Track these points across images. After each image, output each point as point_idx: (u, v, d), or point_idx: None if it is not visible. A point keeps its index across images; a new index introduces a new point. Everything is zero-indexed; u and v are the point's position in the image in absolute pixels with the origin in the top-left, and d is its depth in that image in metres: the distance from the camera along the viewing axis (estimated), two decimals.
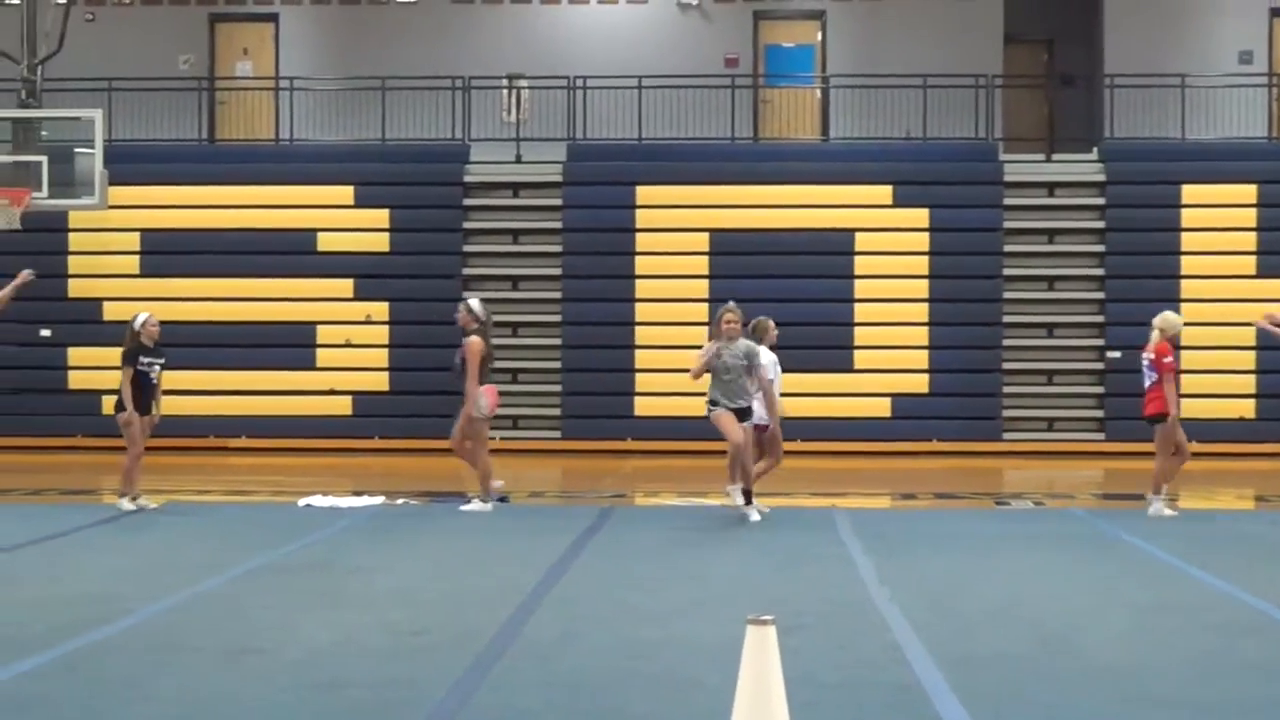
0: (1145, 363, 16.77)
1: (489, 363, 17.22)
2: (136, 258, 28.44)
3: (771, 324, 17.51)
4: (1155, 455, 16.88)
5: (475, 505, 17.05)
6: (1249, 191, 27.93)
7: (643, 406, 27.66)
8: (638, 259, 28.07)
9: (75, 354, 27.76)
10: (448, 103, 29.33)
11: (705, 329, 27.46)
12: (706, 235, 28.01)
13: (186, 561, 13.40)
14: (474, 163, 29.07)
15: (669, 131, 29.01)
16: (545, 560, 13.28)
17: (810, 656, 9.13)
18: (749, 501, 16.00)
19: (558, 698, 8.21)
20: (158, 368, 17.35)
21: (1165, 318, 16.86)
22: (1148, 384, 16.67)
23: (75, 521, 16.03)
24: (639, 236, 28.18)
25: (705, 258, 27.98)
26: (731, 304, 16.66)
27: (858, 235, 28.01)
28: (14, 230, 25.49)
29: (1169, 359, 16.58)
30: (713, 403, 16.08)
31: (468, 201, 28.78)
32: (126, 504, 17.05)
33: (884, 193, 28.16)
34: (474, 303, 17.63)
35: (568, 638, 9.88)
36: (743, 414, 16.00)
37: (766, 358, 16.70)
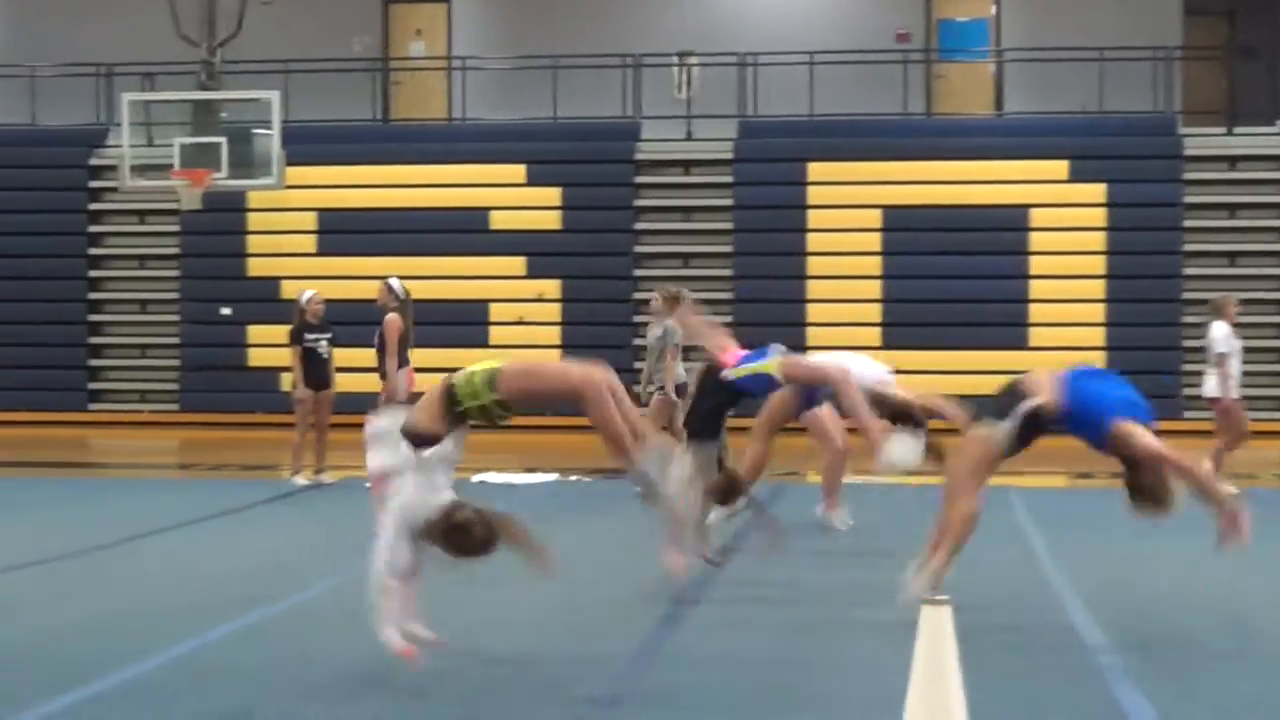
0: None
1: (408, 342, 17.25)
2: (313, 237, 28.80)
3: (1231, 300, 17.48)
4: None
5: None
6: None
7: None
8: (809, 236, 27.93)
9: (254, 332, 28.17)
10: (619, 80, 29.37)
11: (878, 306, 27.42)
12: (879, 212, 27.79)
13: (361, 536, 13.52)
14: (645, 140, 29.07)
15: (841, 107, 28.80)
16: (718, 538, 13.24)
17: (984, 637, 9.04)
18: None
19: (726, 678, 8.18)
20: (324, 343, 17.54)
21: None
22: None
23: (254, 496, 16.28)
24: (810, 213, 28.02)
25: (877, 234, 27.77)
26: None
27: (1033, 211, 27.64)
28: (196, 210, 25.95)
29: None
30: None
31: (639, 179, 28.80)
32: (299, 480, 17.28)
33: (1060, 168, 27.77)
34: (394, 281, 17.62)
35: (734, 617, 9.85)
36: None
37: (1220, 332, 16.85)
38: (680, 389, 17.01)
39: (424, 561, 8.15)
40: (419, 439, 8.20)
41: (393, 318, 17.12)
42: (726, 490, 11.31)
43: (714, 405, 11.78)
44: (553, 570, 8.06)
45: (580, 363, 8.49)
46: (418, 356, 27.02)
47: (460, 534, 7.99)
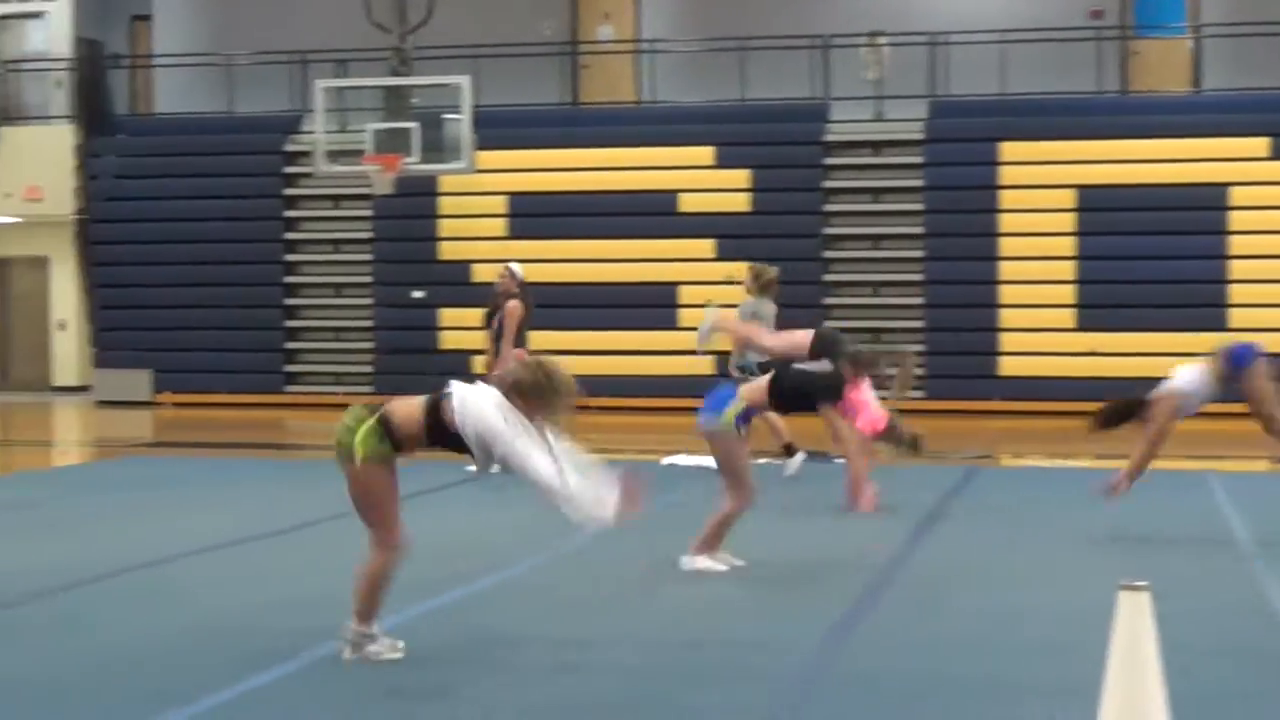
0: None
1: (525, 327, 17.37)
2: (503, 220, 29.01)
3: None
4: None
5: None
6: None
7: (1008, 366, 27.22)
8: (1001, 216, 27.59)
9: (446, 315, 28.43)
10: (807, 61, 29.25)
11: (1072, 288, 27.03)
12: (1073, 192, 27.38)
13: (559, 518, 13.61)
14: (834, 121, 28.91)
15: (1033, 86, 28.42)
16: (909, 521, 13.19)
17: (1183, 623, 8.89)
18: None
19: (922, 662, 8.13)
20: None
21: None
22: None
23: (452, 477, 16.43)
24: (1002, 194, 27.68)
25: (1071, 214, 27.36)
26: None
27: (1232, 190, 27.06)
28: (388, 195, 26.27)
29: None
30: None
31: (828, 160, 28.64)
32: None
33: (1260, 145, 27.14)
34: (515, 266, 17.75)
35: (931, 601, 9.79)
36: None
37: None
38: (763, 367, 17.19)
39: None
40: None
41: (514, 303, 17.25)
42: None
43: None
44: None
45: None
46: (605, 340, 27.26)
47: (552, 377, 8.25)
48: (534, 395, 8.03)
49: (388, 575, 8.17)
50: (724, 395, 11.34)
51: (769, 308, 17.04)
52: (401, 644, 8.23)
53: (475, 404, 7.98)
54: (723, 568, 10.87)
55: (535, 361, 8.26)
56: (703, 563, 10.89)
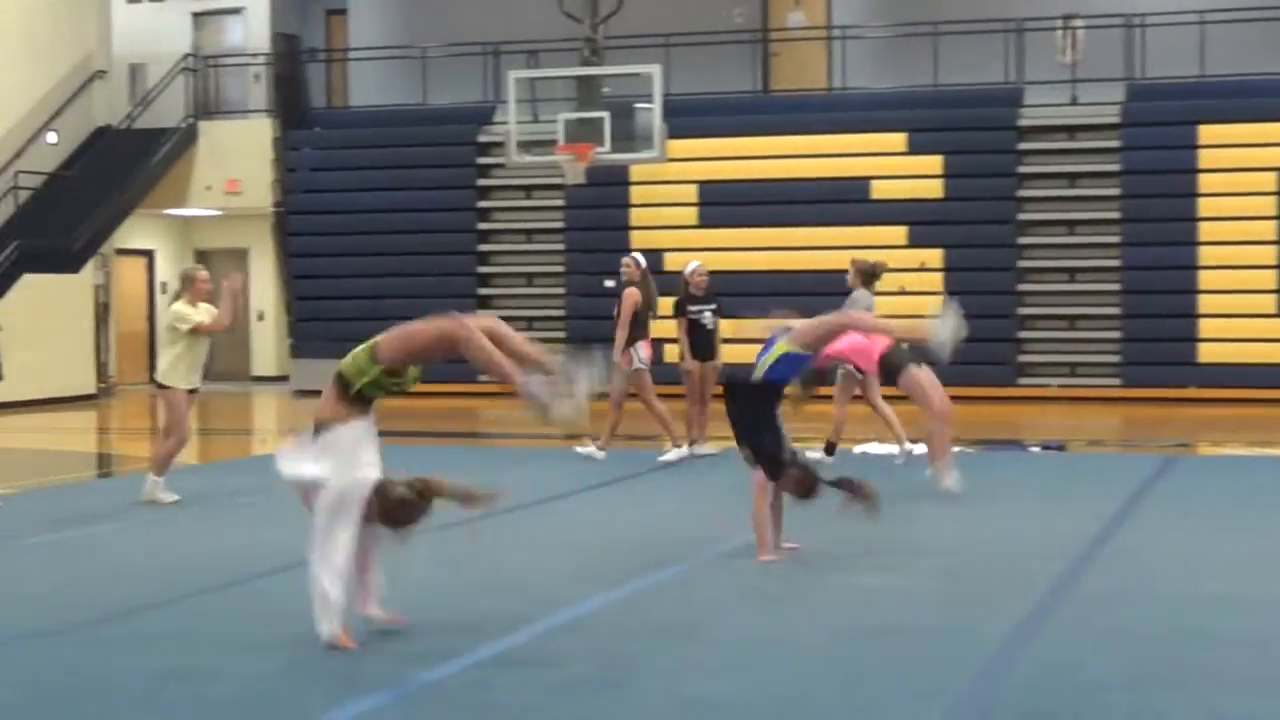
0: None
1: (647, 315, 17.43)
2: (694, 209, 29.03)
3: None
4: None
5: (672, 454, 17.29)
6: None
7: (1207, 353, 26.71)
8: (1200, 201, 27.06)
9: None
10: (1000, 46, 28.91)
11: (1273, 273, 26.45)
12: (1274, 175, 26.77)
13: (745, 506, 13.59)
14: (1028, 106, 28.55)
15: (1234, 68, 27.84)
16: (1104, 510, 13.00)
17: None
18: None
19: (1116, 653, 8.00)
20: (708, 314, 17.64)
21: None
22: None
23: (640, 466, 16.49)
24: (1201, 178, 27.14)
25: (1272, 198, 26.75)
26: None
27: None
28: (580, 185, 26.39)
29: None
30: None
31: (1022, 145, 28.28)
32: (697, 450, 17.47)
33: None
34: (639, 255, 17.97)
35: (1126, 591, 9.63)
36: None
37: None
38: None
39: (375, 542, 8.41)
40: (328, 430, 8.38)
41: (632, 291, 17.29)
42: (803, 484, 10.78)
43: (754, 411, 11.16)
44: (494, 503, 8.49)
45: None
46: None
47: (401, 509, 8.31)
48: (390, 520, 8.38)
49: None
50: (767, 346, 11.21)
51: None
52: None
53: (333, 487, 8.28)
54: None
55: (400, 492, 8.39)
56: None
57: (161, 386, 13.96)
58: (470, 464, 17.27)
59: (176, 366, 13.84)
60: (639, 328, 17.40)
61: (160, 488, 13.84)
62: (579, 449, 17.36)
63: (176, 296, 14.23)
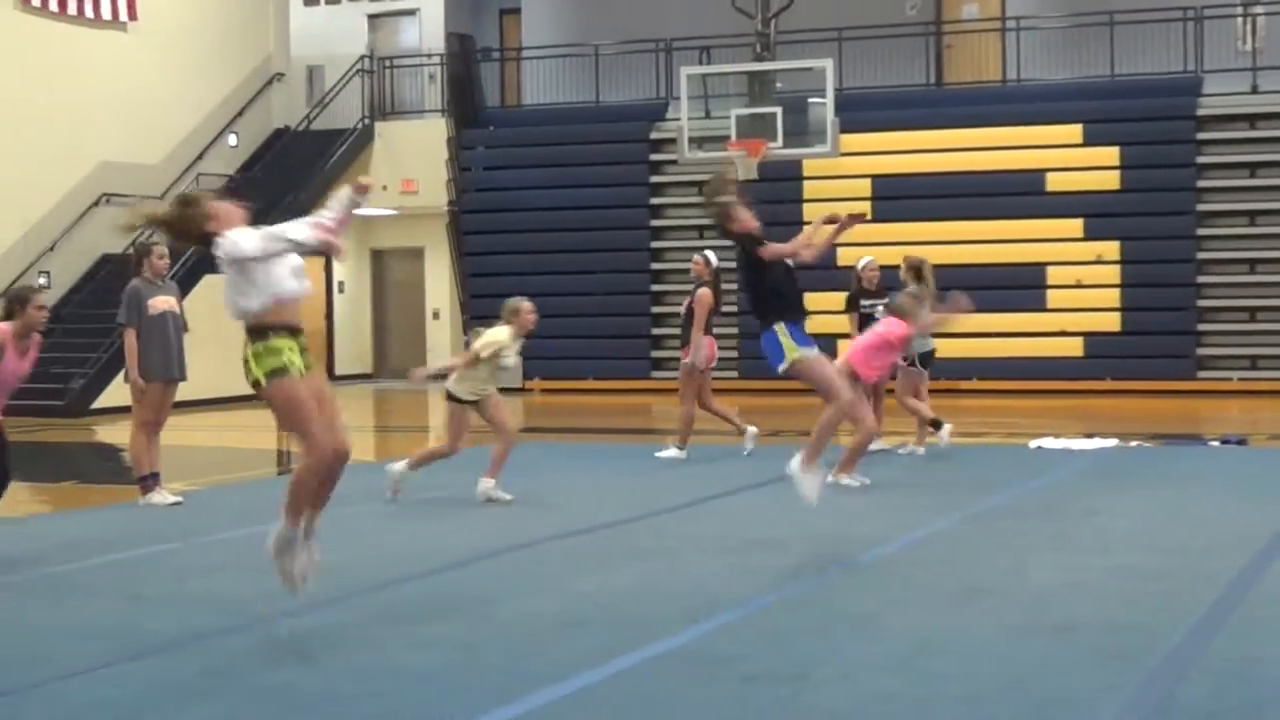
0: None
1: (714, 314, 17.05)
2: (868, 203, 28.88)
3: None
4: None
5: (671, 452, 17.03)
6: None
7: None
8: None
9: (810, 299, 28.37)
10: (1179, 34, 28.47)
11: None
12: None
13: (917, 502, 13.55)
14: (1207, 95, 28.09)
15: None
16: None
17: None
18: None
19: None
20: (881, 309, 17.54)
21: None
22: None
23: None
24: None
25: None
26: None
27: None
28: (752, 180, 26.37)
29: None
30: None
31: (1200, 135, 27.84)
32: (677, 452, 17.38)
33: None
34: (710, 254, 17.47)
35: None
36: None
37: None
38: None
39: None
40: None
41: (705, 291, 17.06)
42: None
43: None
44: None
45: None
46: (974, 322, 26.94)
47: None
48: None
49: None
50: (774, 340, 11.14)
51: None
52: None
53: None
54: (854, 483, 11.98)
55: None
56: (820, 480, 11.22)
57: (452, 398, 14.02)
58: (641, 461, 17.36)
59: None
60: (709, 328, 17.22)
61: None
62: (659, 454, 17.19)
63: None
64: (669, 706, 7.05)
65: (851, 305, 17.67)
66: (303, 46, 33.37)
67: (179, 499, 14.17)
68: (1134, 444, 17.91)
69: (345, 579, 10.09)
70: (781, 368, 11.40)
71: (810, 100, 26.12)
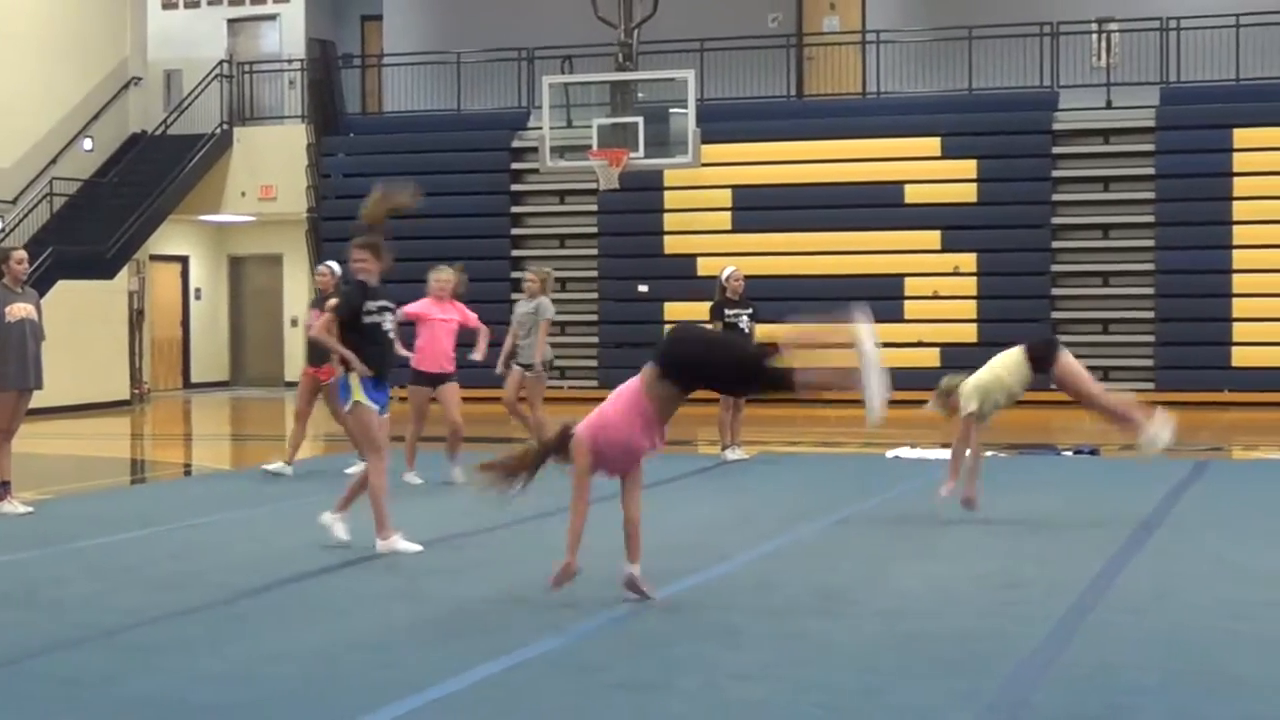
0: None
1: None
2: (728, 214, 29.04)
3: None
4: None
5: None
6: None
7: (1241, 357, 26.63)
8: (1235, 204, 26.98)
9: (671, 309, 28.52)
10: (1035, 49, 28.86)
11: None
12: None
13: (779, 511, 13.63)
14: (1063, 110, 28.49)
15: (1269, 70, 27.77)
16: (1138, 514, 12.97)
17: None
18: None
19: (1152, 655, 7.98)
20: (745, 319, 17.63)
21: None
22: None
23: (674, 471, 16.49)
24: (1237, 181, 27.06)
25: None
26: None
27: None
28: (613, 190, 26.42)
29: None
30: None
31: (1056, 149, 28.23)
32: (730, 455, 17.48)
33: None
34: (335, 264, 16.77)
35: (1162, 594, 9.60)
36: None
37: None
38: (545, 366, 17.45)
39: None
40: None
41: (333, 302, 16.91)
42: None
43: None
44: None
45: None
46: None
47: None
48: None
49: None
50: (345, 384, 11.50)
51: None
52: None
53: None
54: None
55: None
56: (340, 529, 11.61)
57: None
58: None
59: None
60: None
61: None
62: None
63: None
64: (533, 714, 7.05)
65: (716, 315, 17.71)
66: (161, 50, 32.98)
67: (30, 509, 13.94)
68: (988, 454, 18.08)
69: (198, 590, 9.99)
70: (346, 407, 11.58)
71: (672, 110, 26.20)
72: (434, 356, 15.98)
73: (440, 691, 7.35)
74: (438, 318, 16.01)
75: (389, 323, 11.61)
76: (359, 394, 11.42)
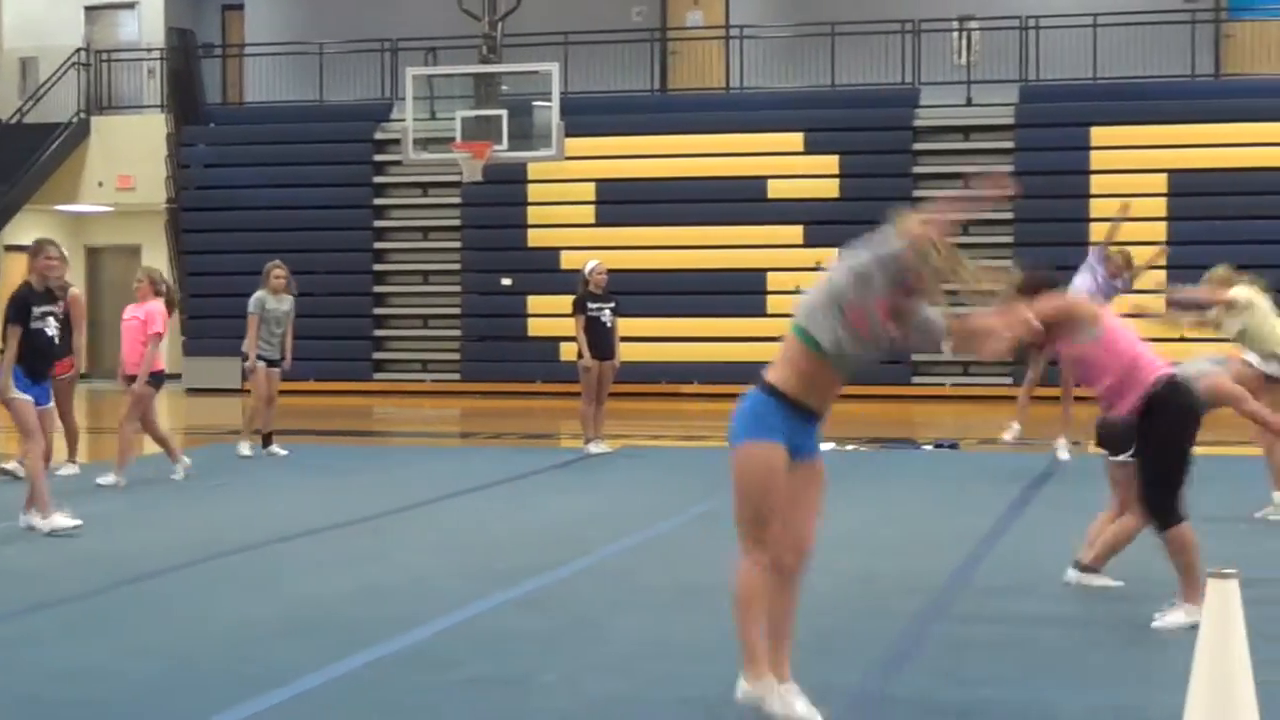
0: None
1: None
2: (592, 207, 29.03)
3: None
4: None
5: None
6: None
7: None
8: (1092, 202, 27.33)
9: (534, 302, 28.49)
10: (897, 46, 29.09)
11: (1163, 273, 26.74)
12: (1164, 176, 27.11)
13: (641, 504, 13.64)
14: (924, 106, 28.75)
15: (1125, 70, 28.18)
16: (997, 508, 13.10)
17: (1278, 612, 8.75)
18: None
19: (1009, 646, 8.07)
20: (607, 312, 17.61)
21: None
22: None
23: (536, 464, 16.47)
24: (1094, 179, 27.44)
25: (1163, 199, 27.08)
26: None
27: None
28: (477, 182, 26.31)
29: None
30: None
31: (917, 146, 28.48)
32: (593, 448, 17.47)
33: None
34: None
35: (1019, 585, 9.71)
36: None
37: None
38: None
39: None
40: None
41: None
42: None
43: None
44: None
45: None
46: (694, 326, 27.23)
47: None
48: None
49: None
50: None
51: None
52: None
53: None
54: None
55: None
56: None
57: None
58: (362, 463, 17.23)
59: None
60: None
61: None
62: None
63: None
64: (391, 710, 7.00)
65: (579, 308, 17.67)
66: (16, 37, 32.47)
67: None
68: (849, 447, 18.22)
69: (51, 586, 9.84)
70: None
71: (536, 104, 26.14)
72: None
73: (297, 688, 7.29)
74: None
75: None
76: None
